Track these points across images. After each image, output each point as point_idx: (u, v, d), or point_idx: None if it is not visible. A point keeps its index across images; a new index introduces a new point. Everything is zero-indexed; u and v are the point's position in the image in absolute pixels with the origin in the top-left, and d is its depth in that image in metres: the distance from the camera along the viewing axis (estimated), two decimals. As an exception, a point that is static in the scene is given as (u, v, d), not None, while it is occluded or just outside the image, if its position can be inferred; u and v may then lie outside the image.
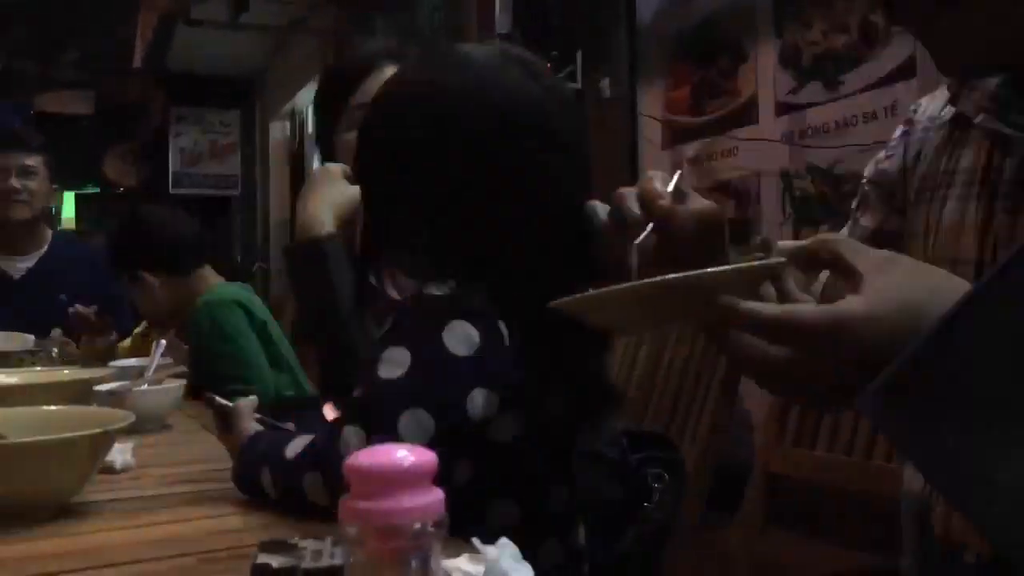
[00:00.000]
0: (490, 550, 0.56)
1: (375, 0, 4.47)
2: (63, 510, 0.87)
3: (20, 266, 2.63)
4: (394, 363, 0.81)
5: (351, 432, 0.79)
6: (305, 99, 6.21)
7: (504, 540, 0.57)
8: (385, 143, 0.91)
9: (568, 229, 0.91)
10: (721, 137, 2.88)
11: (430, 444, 0.76)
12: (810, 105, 2.56)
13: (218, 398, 0.98)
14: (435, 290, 0.84)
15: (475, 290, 0.85)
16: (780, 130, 2.66)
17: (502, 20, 3.39)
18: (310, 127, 6.47)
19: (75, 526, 0.84)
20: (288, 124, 6.78)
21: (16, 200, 2.56)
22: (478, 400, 0.82)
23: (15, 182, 2.55)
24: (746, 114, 2.79)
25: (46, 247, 2.67)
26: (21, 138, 2.66)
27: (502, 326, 0.85)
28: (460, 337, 0.82)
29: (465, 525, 0.55)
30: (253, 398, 1.00)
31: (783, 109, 2.66)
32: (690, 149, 3.02)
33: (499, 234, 0.88)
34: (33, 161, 2.60)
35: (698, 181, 2.98)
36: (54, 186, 2.73)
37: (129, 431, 0.93)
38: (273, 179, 6.84)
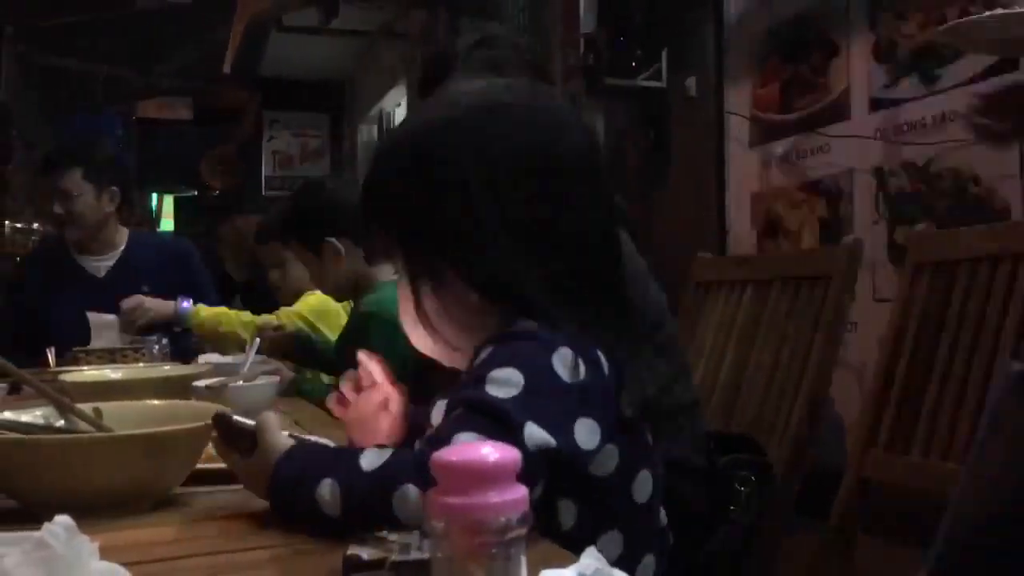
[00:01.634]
0: (587, 561, 0.56)
1: (461, 3, 4.52)
2: (163, 501, 0.91)
3: (103, 265, 2.73)
4: (507, 383, 0.77)
5: (471, 439, 0.72)
6: (392, 102, 6.32)
7: (591, 549, 0.57)
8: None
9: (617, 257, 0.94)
10: (811, 134, 2.81)
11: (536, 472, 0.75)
12: (906, 100, 2.48)
13: (236, 417, 0.85)
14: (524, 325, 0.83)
15: (569, 321, 0.83)
16: (874, 126, 2.58)
17: (586, 20, 3.39)
18: (397, 130, 6.56)
19: (172, 515, 0.88)
20: (375, 127, 6.91)
21: (65, 223, 2.65)
22: (583, 430, 0.80)
23: (58, 207, 2.62)
24: (837, 110, 2.72)
25: (123, 245, 2.77)
26: (51, 161, 2.66)
27: (601, 356, 0.84)
28: (568, 364, 0.80)
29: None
30: (275, 413, 0.86)
31: (877, 105, 2.58)
32: (779, 147, 2.97)
33: (591, 262, 0.89)
34: (69, 183, 2.60)
35: (787, 180, 2.92)
36: (113, 188, 2.68)
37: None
38: (362, 180, 6.97)
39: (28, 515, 0.84)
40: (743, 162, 3.12)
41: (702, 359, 1.94)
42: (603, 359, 0.84)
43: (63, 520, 0.54)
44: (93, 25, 6.26)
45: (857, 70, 2.65)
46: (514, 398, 0.76)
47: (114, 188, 2.68)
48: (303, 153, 7.28)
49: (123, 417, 1.00)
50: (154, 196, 7.74)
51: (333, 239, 1.97)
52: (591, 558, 0.56)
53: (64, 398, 1.02)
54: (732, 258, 2.80)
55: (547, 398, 0.78)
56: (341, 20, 4.99)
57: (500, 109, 0.90)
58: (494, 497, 0.47)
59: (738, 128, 3.13)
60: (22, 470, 0.84)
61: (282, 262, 2.65)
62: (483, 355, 0.83)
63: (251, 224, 3.44)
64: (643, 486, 0.90)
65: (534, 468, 0.75)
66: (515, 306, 0.85)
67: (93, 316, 2.40)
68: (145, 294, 2.51)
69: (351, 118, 7.13)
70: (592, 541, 0.87)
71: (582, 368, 0.81)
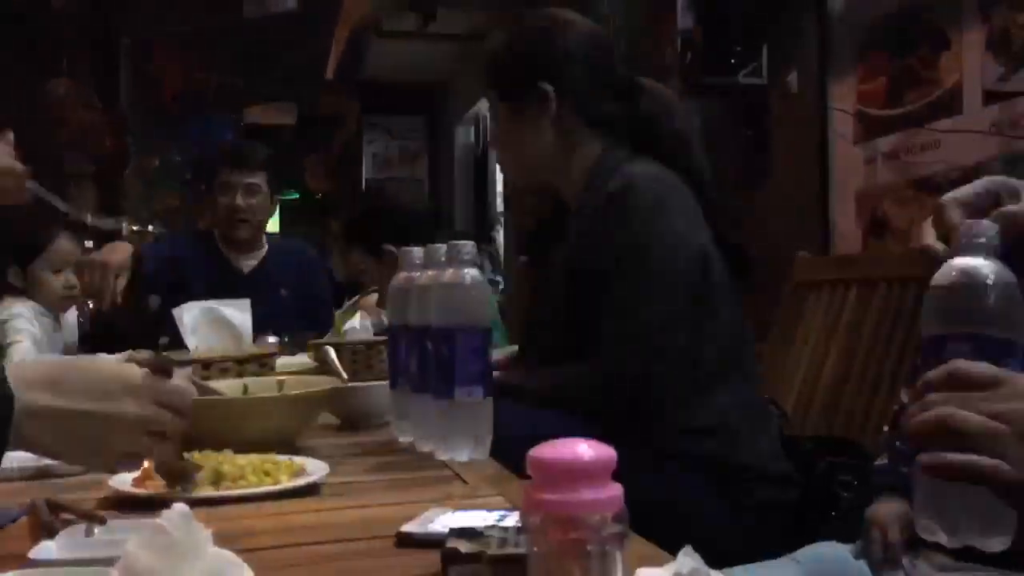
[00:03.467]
0: (684, 560, 0.56)
1: (556, 4, 4.52)
2: (276, 493, 0.94)
3: (247, 263, 2.83)
4: None
5: None
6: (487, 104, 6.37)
7: (688, 548, 0.57)
8: None
9: None
10: (921, 129, 2.71)
11: None
12: (1022, 93, 2.37)
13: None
14: None
15: None
16: (988, 120, 2.47)
17: (684, 18, 3.34)
18: (493, 131, 6.62)
19: (280, 506, 0.91)
20: (472, 129, 6.98)
21: (240, 219, 2.73)
22: None
23: (240, 200, 2.71)
24: (949, 104, 2.62)
25: (266, 248, 2.88)
26: (246, 156, 2.79)
27: None
28: None
29: None
30: None
31: (991, 98, 2.47)
32: (885, 143, 2.87)
33: None
34: (257, 179, 2.74)
35: (894, 177, 2.83)
36: (277, 196, 2.86)
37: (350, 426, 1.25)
38: (458, 182, 7.05)
39: (148, 503, 0.89)
40: (847, 159, 3.03)
41: (803, 361, 1.89)
42: None
43: (180, 508, 0.57)
44: (203, 35, 6.51)
45: (969, 62, 2.55)
46: None
47: (275, 194, 2.84)
48: (401, 155, 7.41)
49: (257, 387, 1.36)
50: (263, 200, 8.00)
51: (391, 245, 2.05)
52: (688, 556, 0.56)
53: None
54: (836, 258, 2.73)
55: None
56: (438, 24, 5.06)
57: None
58: (589, 494, 0.48)
59: (842, 124, 3.04)
60: (214, 421, 1.13)
61: (362, 268, 2.71)
62: None
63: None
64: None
65: None
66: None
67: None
68: (281, 297, 2.58)
69: (448, 120, 7.22)
70: None
71: None
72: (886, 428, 1.35)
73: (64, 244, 2.52)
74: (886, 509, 1.15)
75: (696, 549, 0.58)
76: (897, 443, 1.27)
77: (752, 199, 3.37)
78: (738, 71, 3.24)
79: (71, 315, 2.75)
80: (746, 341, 1.43)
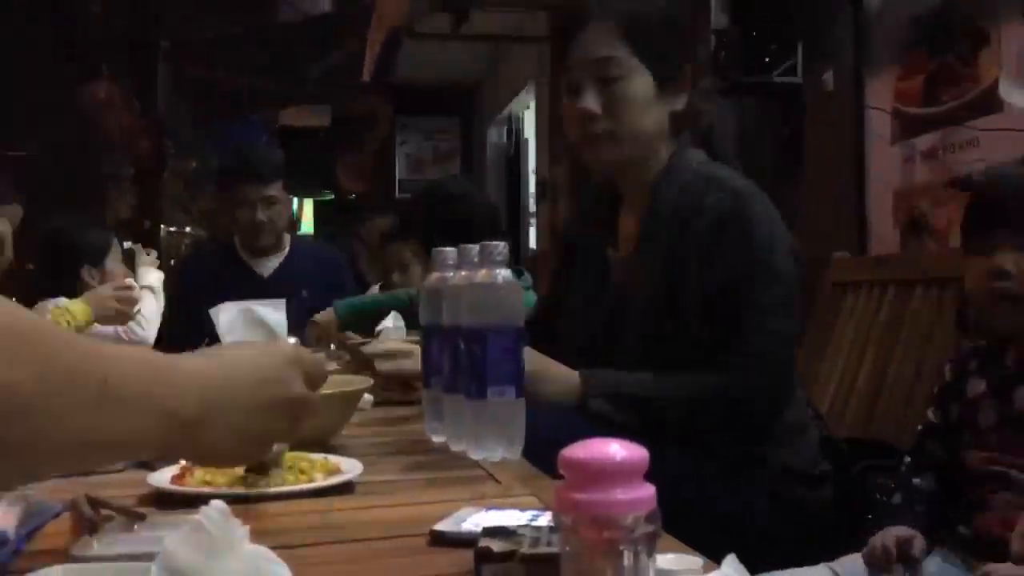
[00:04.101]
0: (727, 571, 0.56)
1: (587, 5, 4.52)
2: (311, 491, 0.95)
3: (268, 266, 2.87)
4: None
5: None
6: (522, 104, 6.37)
7: (731, 558, 0.57)
8: None
9: None
10: (959, 128, 2.67)
11: None
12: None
13: None
14: None
15: None
16: (1028, 118, 2.43)
17: (718, 16, 3.32)
18: (526, 131, 6.63)
19: (320, 504, 0.93)
20: (504, 129, 6.98)
21: (263, 231, 2.78)
22: None
23: (260, 215, 2.75)
24: (988, 102, 2.57)
25: (287, 249, 2.91)
26: (260, 170, 2.80)
27: None
28: None
29: None
30: None
31: (1032, 95, 2.43)
32: (923, 142, 2.83)
33: None
34: (273, 191, 2.77)
35: (933, 175, 2.79)
36: (292, 196, 2.93)
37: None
38: (490, 182, 7.07)
39: (187, 499, 0.90)
40: (884, 158, 2.99)
41: (839, 361, 1.88)
42: None
43: (218, 505, 0.58)
44: (238, 38, 6.58)
45: (1009, 60, 2.50)
46: None
47: (292, 196, 2.87)
48: (435, 156, 7.43)
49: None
50: (294, 200, 8.08)
51: (448, 241, 2.03)
52: (730, 567, 0.56)
53: None
54: (872, 258, 2.70)
55: None
56: (471, 24, 5.07)
57: None
58: (621, 494, 0.48)
59: (879, 123, 3.00)
60: None
61: (405, 264, 2.72)
62: None
63: (382, 227, 3.55)
64: None
65: None
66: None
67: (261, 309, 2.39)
68: (303, 298, 2.61)
69: (481, 121, 7.24)
70: None
71: None
72: (907, 458, 1.33)
73: (115, 240, 2.73)
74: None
75: (730, 544, 0.58)
76: (915, 480, 1.26)
77: (787, 199, 3.34)
78: (773, 70, 3.22)
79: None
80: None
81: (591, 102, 1.38)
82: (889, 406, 1.69)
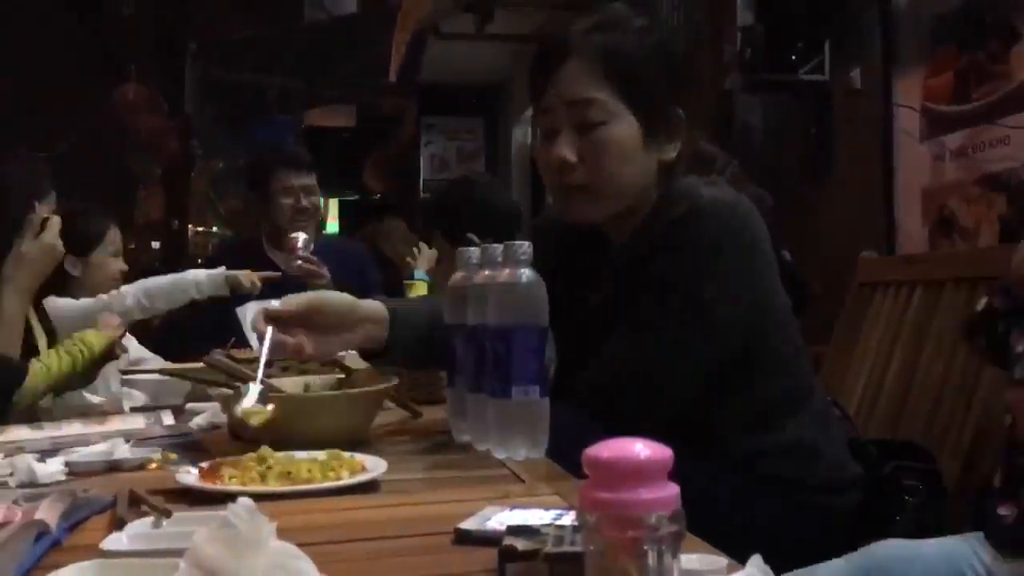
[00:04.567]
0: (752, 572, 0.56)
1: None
2: (336, 489, 0.96)
3: (292, 263, 2.88)
4: None
5: None
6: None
7: (756, 558, 0.56)
8: None
9: None
10: (990, 125, 2.64)
11: None
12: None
13: None
14: None
15: None
16: (1060, 115, 2.40)
17: (744, 13, 3.30)
18: (551, 131, 6.62)
19: (346, 502, 0.93)
20: (528, 130, 6.98)
21: (305, 218, 2.86)
22: None
23: (303, 201, 2.85)
24: (1019, 99, 2.54)
25: (312, 249, 2.92)
26: (300, 160, 2.92)
27: None
28: None
29: None
30: None
31: (1064, 92, 2.40)
32: (953, 140, 2.80)
33: None
34: (311, 180, 2.89)
35: (962, 174, 2.76)
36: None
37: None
38: (514, 183, 7.07)
39: (214, 497, 0.91)
40: (913, 156, 2.96)
41: (866, 363, 1.86)
42: None
43: (245, 502, 0.59)
44: (265, 39, 6.64)
45: (1042, 55, 2.47)
46: None
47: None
48: (459, 156, 7.45)
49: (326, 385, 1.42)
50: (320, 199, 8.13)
51: (474, 235, 2.04)
52: (755, 567, 0.55)
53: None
54: (901, 257, 2.67)
55: None
56: (495, 24, 5.07)
57: None
58: (645, 493, 0.48)
59: (907, 121, 2.97)
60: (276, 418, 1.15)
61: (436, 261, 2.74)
62: None
63: (399, 226, 3.58)
64: None
65: None
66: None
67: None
68: None
69: (506, 121, 7.24)
70: None
71: None
72: (996, 483, 1.23)
73: (115, 233, 2.61)
74: None
75: (758, 551, 0.57)
76: None
77: (814, 198, 3.31)
78: (799, 67, 3.20)
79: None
80: (807, 364, 1.38)
81: (566, 150, 1.23)
82: (918, 407, 1.67)
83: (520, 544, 0.64)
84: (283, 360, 1.48)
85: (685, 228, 1.21)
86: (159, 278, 2.50)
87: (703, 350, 1.22)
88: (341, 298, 1.25)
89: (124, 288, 2.43)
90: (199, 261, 4.91)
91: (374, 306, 1.26)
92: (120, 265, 2.56)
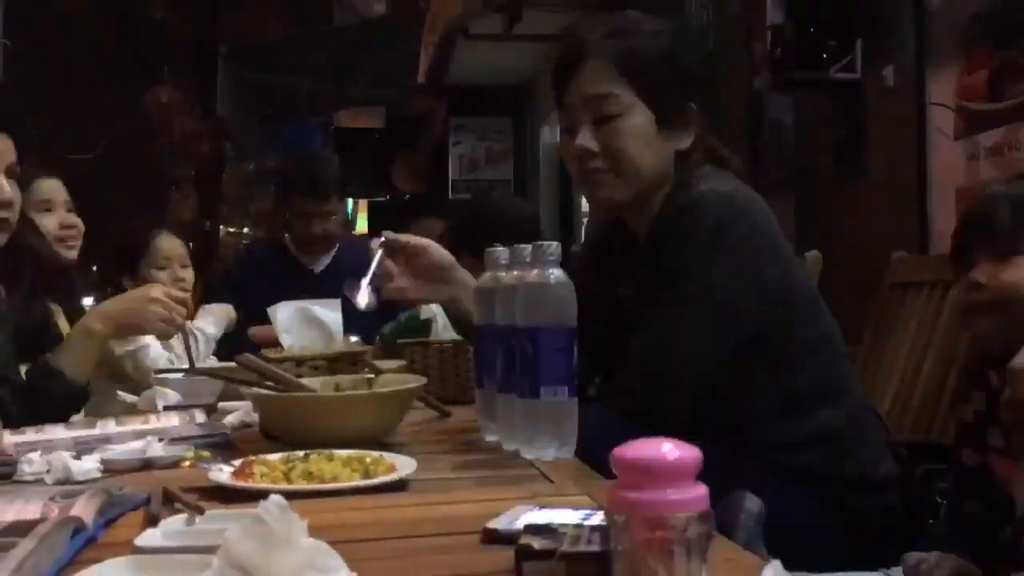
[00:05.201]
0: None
1: (644, 2, 4.50)
2: (366, 488, 0.97)
3: (319, 261, 2.97)
4: None
5: None
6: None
7: (776, 562, 0.56)
8: None
9: None
10: (1025, 124, 2.60)
11: None
12: None
13: None
14: None
15: None
16: (1098, 113, 2.36)
17: (774, 11, 3.28)
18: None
19: (375, 501, 0.94)
20: (558, 129, 6.98)
21: (316, 242, 2.92)
22: None
23: (316, 228, 2.88)
24: (1056, 97, 2.50)
25: (336, 248, 3.00)
26: (319, 186, 2.90)
27: None
28: None
29: None
30: None
31: (1102, 89, 2.35)
32: (988, 138, 2.76)
33: None
34: (330, 206, 2.90)
35: (998, 173, 2.72)
36: (346, 199, 3.03)
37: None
38: (543, 182, 7.07)
39: (247, 495, 0.92)
40: (947, 155, 2.92)
41: (898, 364, 1.84)
42: None
43: (277, 500, 0.60)
44: (295, 42, 6.69)
45: (1079, 52, 2.43)
46: None
47: (348, 198, 3.01)
48: (488, 157, 7.46)
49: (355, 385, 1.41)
50: (350, 200, 8.18)
51: (497, 247, 2.07)
52: (772, 571, 0.55)
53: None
54: (934, 258, 2.63)
55: None
56: (524, 25, 5.08)
57: None
58: (673, 494, 0.48)
59: (941, 119, 2.93)
60: (307, 418, 1.24)
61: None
62: None
63: (436, 227, 3.58)
64: None
65: None
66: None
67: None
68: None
69: (534, 121, 7.24)
70: None
71: None
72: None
73: (165, 242, 2.59)
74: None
75: (791, 554, 0.57)
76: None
77: (846, 197, 3.28)
78: (831, 65, 3.16)
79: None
80: (841, 353, 1.38)
81: (588, 140, 1.34)
82: (951, 410, 1.65)
83: (537, 543, 0.64)
84: (311, 359, 1.52)
85: (685, 219, 1.29)
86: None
87: (710, 336, 1.27)
88: (444, 251, 1.41)
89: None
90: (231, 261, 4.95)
91: (469, 276, 1.38)
92: (170, 276, 2.49)
